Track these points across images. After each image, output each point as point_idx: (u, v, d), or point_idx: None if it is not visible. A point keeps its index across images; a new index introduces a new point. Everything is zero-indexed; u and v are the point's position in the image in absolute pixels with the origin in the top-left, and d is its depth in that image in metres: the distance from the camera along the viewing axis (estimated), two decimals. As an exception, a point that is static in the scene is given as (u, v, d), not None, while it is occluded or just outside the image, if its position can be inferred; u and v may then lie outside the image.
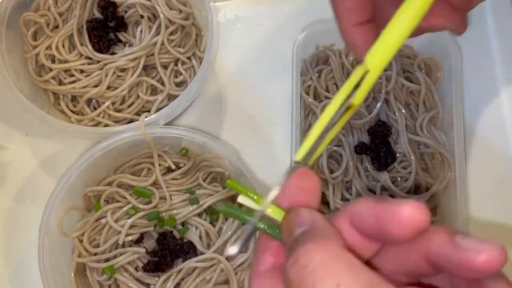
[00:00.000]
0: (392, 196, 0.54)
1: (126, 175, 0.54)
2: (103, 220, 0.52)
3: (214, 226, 0.53)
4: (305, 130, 0.57)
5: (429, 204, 0.54)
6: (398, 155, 0.56)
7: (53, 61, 0.58)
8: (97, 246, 0.52)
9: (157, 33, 0.57)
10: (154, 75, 0.59)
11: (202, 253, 0.52)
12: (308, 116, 0.58)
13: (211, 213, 0.53)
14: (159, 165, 0.54)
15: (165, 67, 0.58)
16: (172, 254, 0.51)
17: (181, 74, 0.59)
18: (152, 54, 0.57)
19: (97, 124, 0.57)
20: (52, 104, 0.58)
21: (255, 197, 0.27)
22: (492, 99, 0.60)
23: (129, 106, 0.58)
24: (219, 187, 0.54)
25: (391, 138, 0.56)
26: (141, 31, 0.58)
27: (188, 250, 0.52)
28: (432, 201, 0.55)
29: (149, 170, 0.55)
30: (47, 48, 0.57)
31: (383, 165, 0.55)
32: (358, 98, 0.27)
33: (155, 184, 0.53)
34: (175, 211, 0.53)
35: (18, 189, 0.58)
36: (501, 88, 0.60)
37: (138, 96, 0.58)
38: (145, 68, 0.58)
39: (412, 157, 0.54)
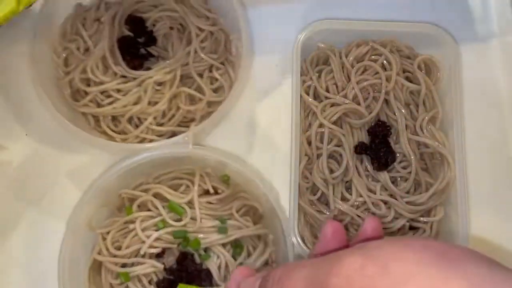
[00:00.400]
0: (391, 196, 0.54)
1: (164, 187, 0.54)
2: (131, 226, 0.52)
3: (235, 259, 0.52)
4: (305, 130, 0.57)
5: (429, 204, 0.54)
6: (398, 155, 0.56)
7: (88, 84, 0.57)
8: (119, 248, 0.52)
9: (188, 42, 0.57)
10: (190, 84, 0.58)
11: (217, 285, 0.51)
12: (308, 116, 0.58)
13: (236, 246, 0.53)
14: (198, 185, 0.54)
15: (200, 75, 0.58)
16: (188, 277, 0.51)
17: (216, 80, 0.58)
18: (187, 64, 0.57)
19: (142, 140, 0.58)
20: (93, 128, 0.58)
21: None
22: (492, 99, 0.60)
23: (170, 118, 0.58)
24: (250, 222, 0.54)
25: (391, 138, 0.56)
26: (173, 43, 0.57)
27: (204, 278, 0.51)
28: (432, 201, 0.54)
29: (187, 187, 0.54)
30: (81, 72, 0.57)
31: (383, 165, 0.55)
32: None
33: (189, 202, 0.53)
34: (201, 235, 0.52)
35: (18, 189, 0.58)
36: (501, 88, 0.60)
37: (178, 107, 0.58)
38: (180, 78, 0.57)
39: (412, 157, 0.55)
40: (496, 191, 0.57)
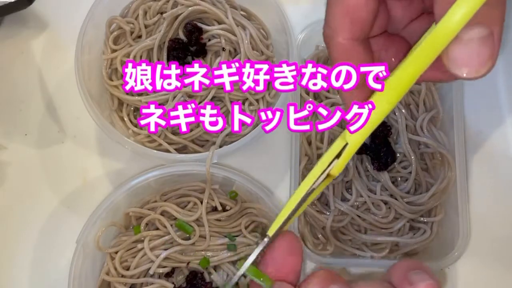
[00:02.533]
0: (392, 196, 0.54)
1: (172, 205, 0.53)
2: (139, 245, 0.52)
3: (245, 277, 0.52)
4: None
5: (429, 204, 0.54)
6: (398, 155, 0.56)
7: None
8: (127, 268, 0.52)
9: (234, 68, 0.57)
10: (219, 107, 0.58)
11: (227, 303, 0.51)
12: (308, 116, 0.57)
13: None
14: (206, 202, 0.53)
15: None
16: (197, 297, 0.51)
17: (245, 114, 0.58)
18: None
19: (152, 141, 0.57)
20: (114, 110, 0.58)
21: None
22: (492, 99, 0.60)
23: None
24: (259, 238, 0.53)
25: (391, 138, 0.56)
26: (219, 63, 0.57)
27: (214, 297, 0.51)
28: (432, 201, 0.55)
29: (195, 204, 0.54)
30: (124, 55, 0.57)
31: (383, 165, 0.55)
32: (337, 169, 0.30)
33: (197, 220, 0.53)
34: (210, 253, 0.52)
35: (17, 189, 0.58)
36: (501, 88, 0.60)
37: (198, 125, 0.57)
38: (211, 99, 0.57)
39: (412, 157, 0.55)
40: (496, 191, 0.57)
